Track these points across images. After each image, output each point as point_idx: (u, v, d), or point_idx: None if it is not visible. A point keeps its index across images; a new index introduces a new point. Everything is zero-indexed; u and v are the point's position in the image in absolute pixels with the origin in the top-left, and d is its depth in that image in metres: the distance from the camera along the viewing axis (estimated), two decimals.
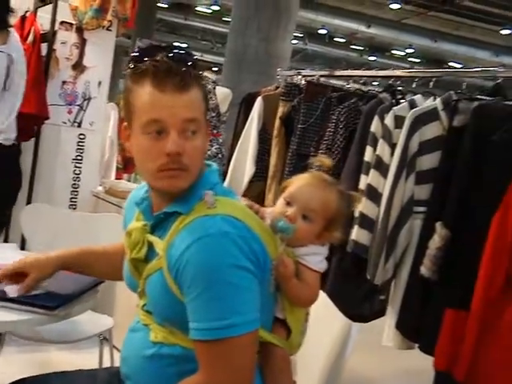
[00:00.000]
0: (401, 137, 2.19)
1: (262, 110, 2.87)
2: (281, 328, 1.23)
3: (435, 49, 17.38)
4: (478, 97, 2.14)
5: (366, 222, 2.27)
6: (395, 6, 14.76)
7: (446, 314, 1.43)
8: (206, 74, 4.42)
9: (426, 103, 2.27)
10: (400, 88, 2.60)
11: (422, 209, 2.17)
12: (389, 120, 2.26)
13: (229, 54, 7.92)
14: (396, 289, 2.23)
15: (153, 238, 1.16)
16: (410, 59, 19.19)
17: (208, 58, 18.95)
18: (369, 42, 18.26)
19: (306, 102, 2.65)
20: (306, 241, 1.25)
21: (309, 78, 2.76)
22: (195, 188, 1.13)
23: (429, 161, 2.19)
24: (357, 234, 2.28)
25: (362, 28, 15.53)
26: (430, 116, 2.19)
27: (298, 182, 1.29)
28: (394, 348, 2.21)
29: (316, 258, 1.25)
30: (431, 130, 2.19)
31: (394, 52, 19.16)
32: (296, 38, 17.45)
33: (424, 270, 1.97)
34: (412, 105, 2.28)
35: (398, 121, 2.25)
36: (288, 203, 1.25)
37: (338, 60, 18.90)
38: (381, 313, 2.43)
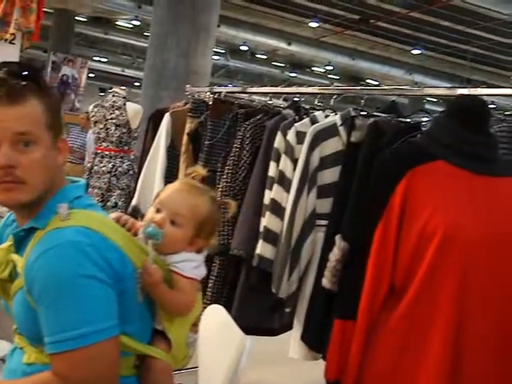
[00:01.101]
0: (302, 152, 2.24)
1: (170, 127, 2.86)
2: (161, 340, 1.22)
3: (353, 66, 18.00)
4: (374, 113, 2.23)
5: (270, 237, 2.30)
6: (314, 25, 15.18)
7: (335, 325, 1.47)
8: (115, 89, 4.38)
9: (326, 119, 2.34)
10: (311, 105, 2.67)
11: (323, 222, 2.23)
12: (291, 136, 2.31)
13: (148, 70, 7.85)
14: (301, 301, 2.27)
15: (15, 257, 1.14)
16: (329, 76, 19.74)
17: (129, 72, 18.72)
18: (290, 58, 18.66)
19: (212, 119, 2.67)
20: (178, 247, 1.26)
21: (216, 95, 2.79)
22: (51, 203, 1.14)
23: (329, 175, 2.25)
24: (261, 248, 2.30)
25: (283, 45, 15.86)
26: (330, 132, 2.25)
27: (168, 189, 1.30)
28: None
29: (190, 264, 1.26)
30: (331, 146, 2.25)
31: (314, 69, 19.67)
32: (218, 54, 17.58)
33: (325, 282, 2.01)
34: (313, 121, 2.34)
35: (300, 136, 2.30)
36: (158, 210, 1.26)
37: (260, 76, 19.19)
38: (290, 326, 2.46)
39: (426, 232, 1.30)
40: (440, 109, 19.02)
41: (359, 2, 14.07)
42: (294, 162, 2.30)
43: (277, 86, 2.89)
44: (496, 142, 1.44)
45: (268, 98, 2.89)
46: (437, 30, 15.41)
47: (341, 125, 2.21)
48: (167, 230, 1.24)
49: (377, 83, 19.53)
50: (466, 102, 1.42)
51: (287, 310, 2.29)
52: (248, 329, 2.47)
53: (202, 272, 1.31)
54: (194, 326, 1.37)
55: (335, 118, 2.28)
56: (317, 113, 2.40)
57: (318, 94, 2.60)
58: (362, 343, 1.36)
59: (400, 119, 2.12)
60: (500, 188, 1.40)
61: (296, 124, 2.33)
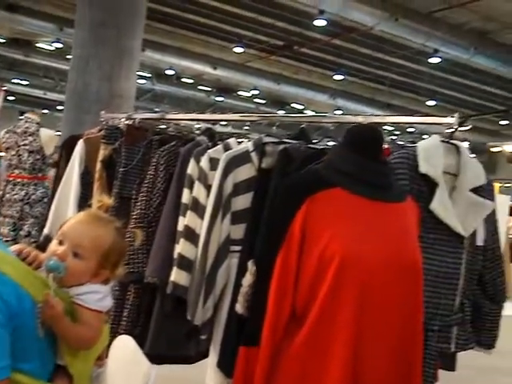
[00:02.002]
0: (215, 178, 2.26)
1: (84, 153, 2.82)
2: (63, 375, 1.19)
3: (278, 91, 18.38)
4: (285, 140, 2.29)
5: (185, 263, 2.29)
6: (239, 50, 15.40)
7: (239, 352, 1.48)
8: (28, 115, 4.27)
9: (239, 146, 2.37)
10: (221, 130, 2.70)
11: (238, 248, 2.24)
12: (204, 162, 2.32)
13: (69, 93, 7.67)
14: (216, 328, 2.27)
15: None
16: (255, 100, 20.03)
17: (52, 96, 18.25)
18: (216, 83, 18.82)
19: (127, 146, 2.65)
20: (82, 279, 1.24)
21: (131, 121, 2.77)
22: None
23: (243, 201, 2.27)
24: (176, 275, 2.29)
25: (209, 69, 15.98)
26: (243, 158, 2.28)
27: (71, 220, 1.28)
28: None
29: (94, 296, 1.24)
30: (244, 172, 2.28)
31: (240, 93, 19.90)
32: (144, 78, 17.47)
33: (238, 307, 2.01)
34: (226, 147, 2.37)
35: (213, 163, 2.31)
36: (60, 242, 1.24)
37: (186, 100, 19.21)
38: (206, 353, 2.45)
39: (324, 257, 1.34)
40: None
41: (283, 29, 14.44)
42: (208, 188, 2.31)
43: (203, 110, 2.92)
44: (390, 169, 1.51)
45: (195, 123, 2.89)
46: (357, 56, 16.02)
47: (252, 151, 2.25)
48: (69, 262, 1.22)
49: (302, 107, 20.01)
50: (361, 131, 1.49)
51: (203, 337, 2.27)
52: (164, 357, 2.46)
53: (107, 303, 1.29)
54: (100, 359, 1.34)
55: (247, 145, 2.31)
56: (230, 139, 2.43)
57: (234, 120, 2.63)
58: (265, 370, 1.37)
59: (309, 145, 2.19)
60: (394, 213, 1.46)
61: (209, 150, 2.35)
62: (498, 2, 11.31)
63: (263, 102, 20.23)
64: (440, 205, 1.87)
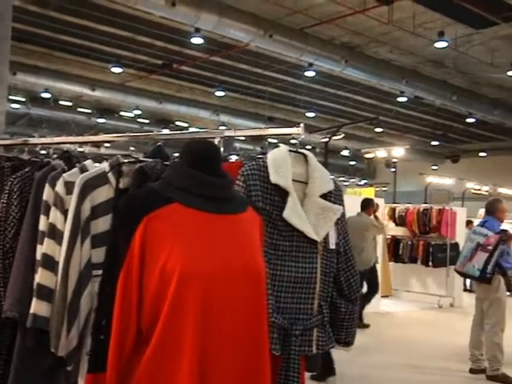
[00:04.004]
0: (72, 203, 2.19)
1: None
2: None
3: (161, 110, 18.28)
4: (141, 159, 2.27)
5: (45, 293, 2.19)
6: (117, 70, 15.15)
7: (86, 379, 1.44)
8: None
9: (96, 167, 2.32)
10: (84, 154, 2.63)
11: (100, 272, 2.18)
12: (59, 187, 2.24)
13: None
14: (83, 357, 2.18)
15: None
16: (139, 120, 19.78)
17: None
18: (96, 104, 18.37)
19: None
20: None
21: None
22: None
23: (103, 224, 2.21)
24: (35, 306, 2.18)
25: (87, 91, 15.57)
26: (100, 180, 2.23)
27: None
28: None
29: None
30: (102, 194, 2.23)
31: (122, 114, 19.56)
32: (18, 102, 16.69)
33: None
34: (82, 170, 2.30)
35: (69, 187, 2.24)
36: None
37: (66, 123, 18.56)
38: None
39: (164, 274, 1.34)
40: (250, 147, 20.09)
41: (161, 48, 14.41)
42: (65, 213, 2.23)
43: (83, 133, 2.82)
44: (230, 181, 1.54)
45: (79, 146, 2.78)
46: (237, 72, 16.34)
47: (109, 172, 2.20)
48: None
49: (186, 125, 20.01)
50: (196, 146, 1.51)
51: (69, 368, 2.18)
52: None
53: None
54: None
55: (104, 166, 2.26)
56: (86, 161, 2.37)
57: (87, 142, 2.57)
58: None
59: (165, 163, 2.18)
60: (234, 224, 1.49)
61: (64, 174, 2.28)
62: (362, 18, 12.04)
63: (147, 121, 20.02)
64: (292, 212, 1.94)
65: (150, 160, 2.21)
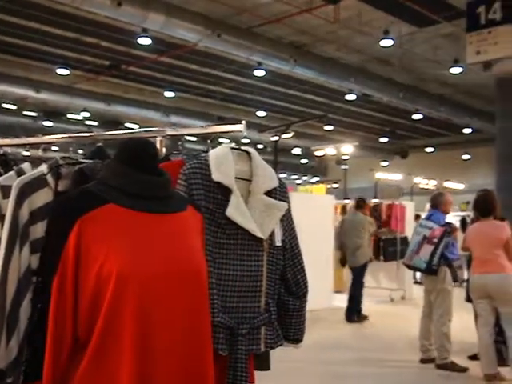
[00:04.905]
0: (9, 208, 2.10)
1: None
2: None
3: (110, 111, 17.99)
4: (81, 160, 2.20)
5: None
6: (63, 72, 14.83)
7: None
8: None
9: (34, 170, 2.24)
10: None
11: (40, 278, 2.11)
12: None
13: None
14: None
15: None
16: (87, 122, 19.41)
17: None
18: (42, 106, 17.93)
19: None
20: None
21: None
22: None
23: (42, 228, 2.12)
24: None
25: (31, 93, 15.17)
26: (38, 183, 2.15)
27: None
28: None
29: None
30: (41, 197, 2.14)
31: (70, 116, 19.15)
32: None
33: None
34: (19, 173, 2.22)
35: (6, 191, 2.15)
36: None
37: (11, 126, 18.03)
38: None
39: (101, 277, 1.30)
40: (199, 147, 19.98)
41: (108, 49, 14.17)
42: (2, 218, 2.14)
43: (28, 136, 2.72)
44: (168, 180, 1.51)
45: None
46: (186, 72, 16.24)
47: (47, 174, 2.13)
48: None
49: (136, 126, 19.76)
50: (131, 144, 1.47)
51: (9, 380, 2.09)
52: None
53: None
54: None
55: (42, 168, 2.19)
56: (24, 164, 2.29)
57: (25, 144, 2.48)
58: None
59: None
60: (173, 223, 1.46)
61: (0, 178, 2.19)
62: (309, 17, 12.15)
63: (95, 123, 19.67)
64: (236, 210, 1.91)
65: (90, 161, 2.15)
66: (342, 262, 9.04)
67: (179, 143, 2.09)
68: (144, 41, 12.19)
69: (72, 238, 1.32)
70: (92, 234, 1.33)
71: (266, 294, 1.99)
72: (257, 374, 2.02)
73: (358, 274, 8.62)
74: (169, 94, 17.32)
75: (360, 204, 8.96)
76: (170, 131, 2.08)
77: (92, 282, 1.30)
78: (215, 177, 1.90)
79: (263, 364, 2.09)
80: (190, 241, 1.49)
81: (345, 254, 8.85)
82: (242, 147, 2.04)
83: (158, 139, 2.18)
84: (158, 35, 12.23)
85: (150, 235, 1.39)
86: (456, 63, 14.00)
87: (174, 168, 1.89)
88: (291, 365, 5.01)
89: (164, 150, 2.38)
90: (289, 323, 2.09)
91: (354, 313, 8.47)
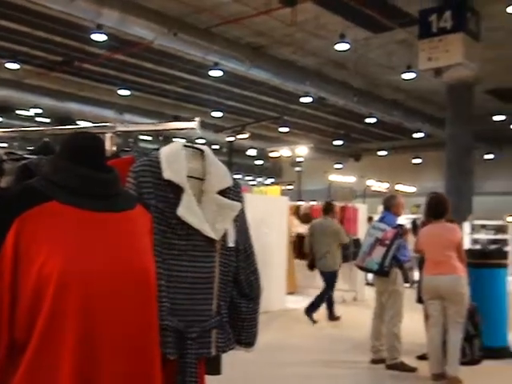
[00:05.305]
0: None
1: None
2: None
3: (62, 108, 17.59)
4: (26, 156, 2.11)
5: None
6: (13, 66, 14.41)
7: None
8: None
9: None
10: None
11: None
12: None
13: None
14: None
15: None
16: (38, 119, 18.91)
17: None
18: None
19: None
20: None
21: None
22: None
23: None
24: None
25: None
26: None
27: None
28: None
29: None
30: None
31: (20, 112, 18.62)
32: None
33: None
34: None
35: None
36: None
37: None
38: None
39: (42, 277, 1.23)
40: (153, 147, 19.75)
41: (61, 44, 13.83)
42: None
43: None
44: (115, 177, 1.44)
45: None
46: (141, 71, 16.03)
47: None
48: None
49: (90, 124, 19.39)
50: (76, 138, 1.40)
51: None
52: None
53: None
54: None
55: None
56: None
57: None
58: None
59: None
60: (121, 222, 1.40)
61: None
62: (266, 19, 12.18)
63: (47, 120, 19.18)
64: (187, 210, 1.86)
65: (35, 157, 2.06)
66: (310, 265, 8.97)
67: (130, 139, 2.02)
68: (98, 37, 11.95)
69: (10, 236, 1.24)
70: (32, 233, 1.26)
71: (217, 296, 1.94)
72: (208, 378, 1.97)
73: (329, 279, 8.58)
74: (123, 92, 17.04)
75: (328, 208, 8.89)
76: (120, 127, 2.01)
77: (32, 281, 1.23)
78: (166, 175, 1.84)
79: (214, 368, 2.04)
80: (137, 241, 1.42)
81: (313, 258, 8.79)
82: (195, 145, 1.98)
83: (108, 135, 2.11)
84: (113, 32, 12.02)
85: (94, 234, 1.32)
86: (409, 69, 14.30)
87: (123, 165, 1.82)
88: (244, 368, 4.97)
89: (115, 147, 2.30)
90: (241, 326, 2.04)
91: (313, 310, 8.49)
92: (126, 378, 1.31)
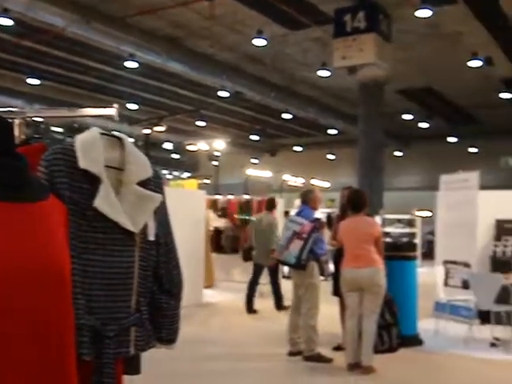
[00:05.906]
0: None
1: None
2: None
3: None
4: None
5: None
6: None
7: None
8: None
9: None
10: None
11: None
12: None
13: None
14: None
15: None
16: None
17: None
18: None
19: None
20: None
21: None
22: None
23: None
24: None
25: None
26: None
27: None
28: None
29: None
30: None
31: None
32: None
33: None
34: None
35: None
36: None
37: None
38: None
39: None
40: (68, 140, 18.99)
41: None
42: None
43: None
44: (25, 165, 1.32)
45: None
46: (52, 59, 15.35)
47: None
48: None
49: None
50: None
51: None
52: None
53: None
54: None
55: None
56: None
57: None
58: None
59: None
60: (32, 214, 1.28)
61: None
62: (184, 11, 12.00)
63: None
64: (104, 202, 1.75)
65: None
66: (244, 257, 9.72)
67: (41, 125, 1.88)
68: (5, 21, 11.30)
69: None
70: None
71: (137, 292, 1.85)
72: (126, 378, 1.87)
73: (272, 272, 9.07)
74: (32, 81, 16.25)
75: (271, 204, 9.34)
76: (30, 113, 1.86)
77: None
78: (82, 164, 1.72)
79: (133, 368, 1.94)
80: (50, 235, 1.31)
81: (250, 250, 9.28)
82: (113, 133, 1.87)
83: (17, 121, 1.95)
84: (21, 17, 11.40)
85: (7, 227, 1.20)
86: (324, 66, 14.58)
87: (33, 153, 1.68)
88: (163, 364, 4.86)
89: (23, 136, 2.14)
90: (162, 323, 1.96)
91: (280, 302, 8.97)
92: (36, 378, 1.19)
